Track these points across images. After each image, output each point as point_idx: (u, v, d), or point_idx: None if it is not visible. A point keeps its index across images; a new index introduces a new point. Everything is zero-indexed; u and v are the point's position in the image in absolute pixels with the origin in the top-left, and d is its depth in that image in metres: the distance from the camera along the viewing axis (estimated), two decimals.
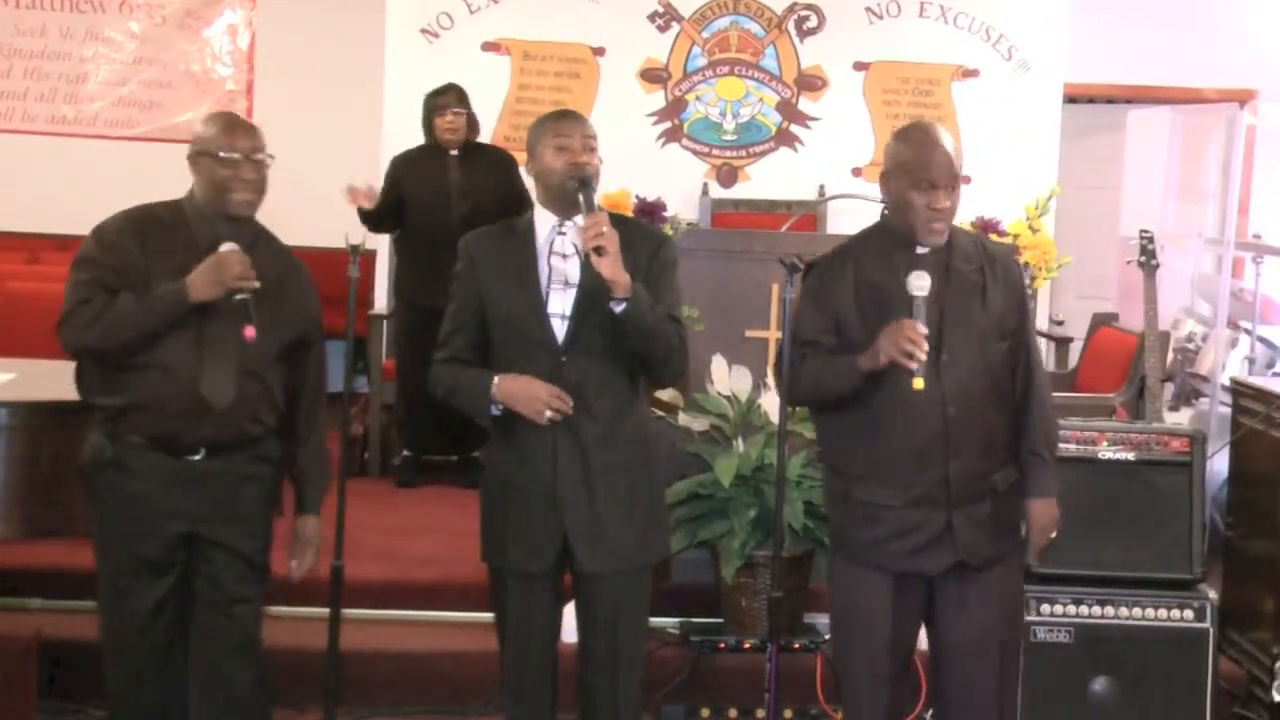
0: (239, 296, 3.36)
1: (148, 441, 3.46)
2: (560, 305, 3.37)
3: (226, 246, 3.40)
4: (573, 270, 3.38)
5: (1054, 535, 3.56)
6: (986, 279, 3.44)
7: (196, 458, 3.48)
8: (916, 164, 3.35)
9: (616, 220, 3.42)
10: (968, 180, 7.32)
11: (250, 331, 3.36)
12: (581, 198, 3.30)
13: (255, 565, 3.60)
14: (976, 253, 3.48)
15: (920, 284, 3.31)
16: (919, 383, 3.25)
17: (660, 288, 3.39)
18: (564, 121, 3.41)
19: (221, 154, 3.41)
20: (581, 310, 3.35)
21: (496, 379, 3.36)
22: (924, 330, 3.26)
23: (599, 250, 3.20)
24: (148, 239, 3.45)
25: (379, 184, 6.38)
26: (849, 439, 3.47)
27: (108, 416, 3.49)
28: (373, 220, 6.27)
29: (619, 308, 3.25)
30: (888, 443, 3.40)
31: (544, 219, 3.43)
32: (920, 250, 3.41)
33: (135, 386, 3.43)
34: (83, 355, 3.48)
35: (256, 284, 3.37)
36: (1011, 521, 3.51)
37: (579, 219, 3.32)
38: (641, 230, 3.52)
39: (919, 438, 3.37)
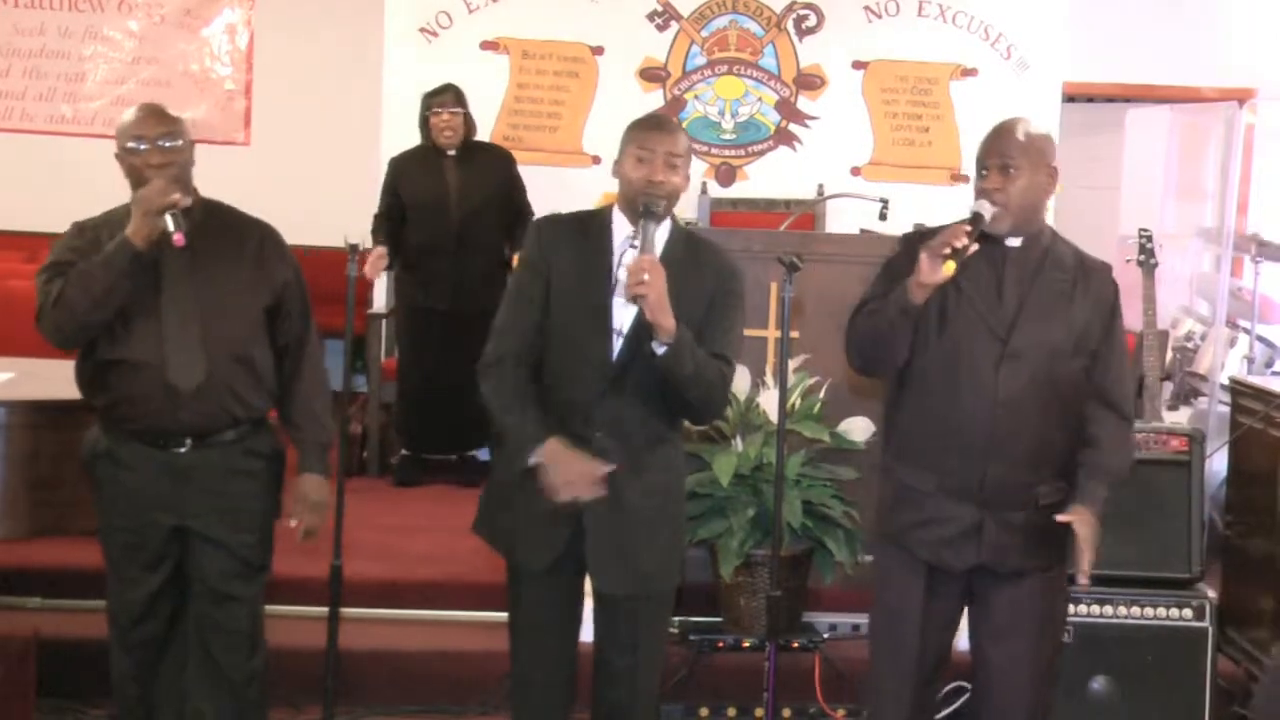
0: (169, 213, 3.34)
1: (136, 435, 3.51)
2: (620, 320, 3.26)
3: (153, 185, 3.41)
4: None
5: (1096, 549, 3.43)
6: (1076, 290, 3.40)
7: (183, 450, 3.51)
8: (979, 153, 3.39)
9: (693, 243, 3.37)
10: (966, 179, 7.40)
11: (179, 238, 3.33)
12: (641, 230, 3.19)
13: (247, 561, 3.61)
14: (1073, 264, 3.44)
15: (984, 208, 3.31)
16: (950, 266, 3.20)
17: (718, 324, 3.29)
18: (651, 133, 3.29)
19: (129, 144, 3.46)
20: (638, 332, 3.23)
21: (549, 443, 3.22)
22: (968, 229, 3.24)
23: (638, 298, 3.11)
24: (98, 238, 3.48)
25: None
26: (903, 417, 3.48)
27: (100, 412, 3.57)
28: (385, 238, 6.26)
29: (659, 350, 3.16)
30: (934, 427, 3.40)
31: (620, 224, 3.32)
32: (1011, 243, 3.39)
33: (115, 383, 3.48)
34: (69, 342, 3.50)
35: (177, 197, 3.35)
36: (1052, 536, 3.44)
37: (636, 242, 3.21)
38: (714, 258, 3.37)
39: (964, 429, 3.36)
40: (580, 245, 3.32)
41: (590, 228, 3.35)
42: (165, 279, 3.47)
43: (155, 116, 3.48)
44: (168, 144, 3.45)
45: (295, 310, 3.66)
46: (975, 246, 3.26)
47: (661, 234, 3.30)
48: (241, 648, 3.64)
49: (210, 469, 3.53)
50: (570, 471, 3.21)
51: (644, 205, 3.20)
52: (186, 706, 3.69)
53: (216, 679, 3.63)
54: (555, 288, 3.30)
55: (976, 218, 3.31)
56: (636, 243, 3.22)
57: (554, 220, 3.42)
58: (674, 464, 3.44)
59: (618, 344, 3.26)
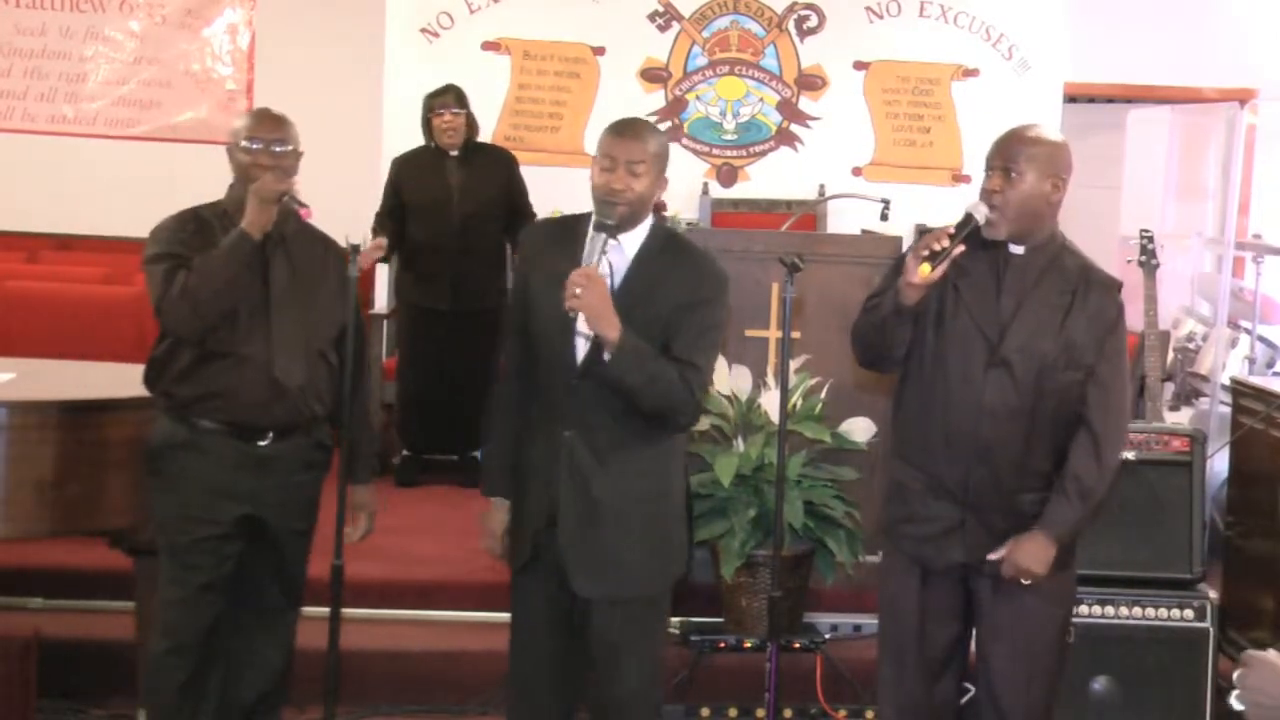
0: (284, 198, 3.54)
1: (222, 427, 3.63)
2: (586, 324, 3.26)
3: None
4: None
5: (1024, 578, 3.37)
6: (1074, 304, 3.37)
7: (264, 443, 3.66)
8: (988, 153, 3.38)
9: (671, 244, 3.37)
10: (967, 180, 7.40)
11: (306, 211, 3.56)
12: (589, 241, 3.22)
13: (305, 550, 3.82)
14: (1077, 277, 3.39)
15: (978, 210, 3.31)
16: (925, 268, 3.21)
17: (682, 330, 3.26)
18: (614, 140, 3.30)
19: (244, 143, 3.65)
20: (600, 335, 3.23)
21: (495, 510, 3.47)
22: (951, 230, 3.25)
23: (570, 311, 3.16)
24: (199, 230, 3.64)
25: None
26: (900, 414, 3.51)
27: (177, 405, 3.66)
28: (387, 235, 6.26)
29: (606, 358, 3.19)
30: (925, 425, 3.42)
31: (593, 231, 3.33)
32: (1014, 249, 3.38)
33: (214, 377, 3.61)
34: (193, 332, 3.59)
35: (291, 182, 3.57)
36: None
37: (597, 244, 3.22)
38: (689, 260, 3.35)
39: (952, 430, 3.37)
40: (558, 249, 3.34)
41: (570, 234, 3.37)
42: (273, 279, 3.64)
43: (271, 121, 3.69)
44: (279, 149, 3.63)
45: (359, 329, 3.85)
46: (961, 248, 3.26)
47: (635, 238, 3.32)
48: (292, 632, 3.86)
49: (285, 461, 3.70)
50: (493, 540, 3.49)
51: (597, 217, 3.24)
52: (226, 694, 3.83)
53: (262, 663, 3.81)
54: (533, 291, 3.35)
55: (967, 218, 3.31)
56: (605, 249, 3.24)
57: (540, 225, 3.54)
58: (661, 467, 3.38)
59: (583, 348, 3.28)
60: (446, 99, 6.30)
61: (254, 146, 3.62)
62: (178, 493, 3.68)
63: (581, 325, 3.26)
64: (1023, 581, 3.38)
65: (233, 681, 3.80)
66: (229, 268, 3.53)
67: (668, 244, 3.37)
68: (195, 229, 3.63)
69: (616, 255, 3.29)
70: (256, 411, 3.63)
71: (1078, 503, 3.37)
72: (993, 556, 3.39)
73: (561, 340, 3.28)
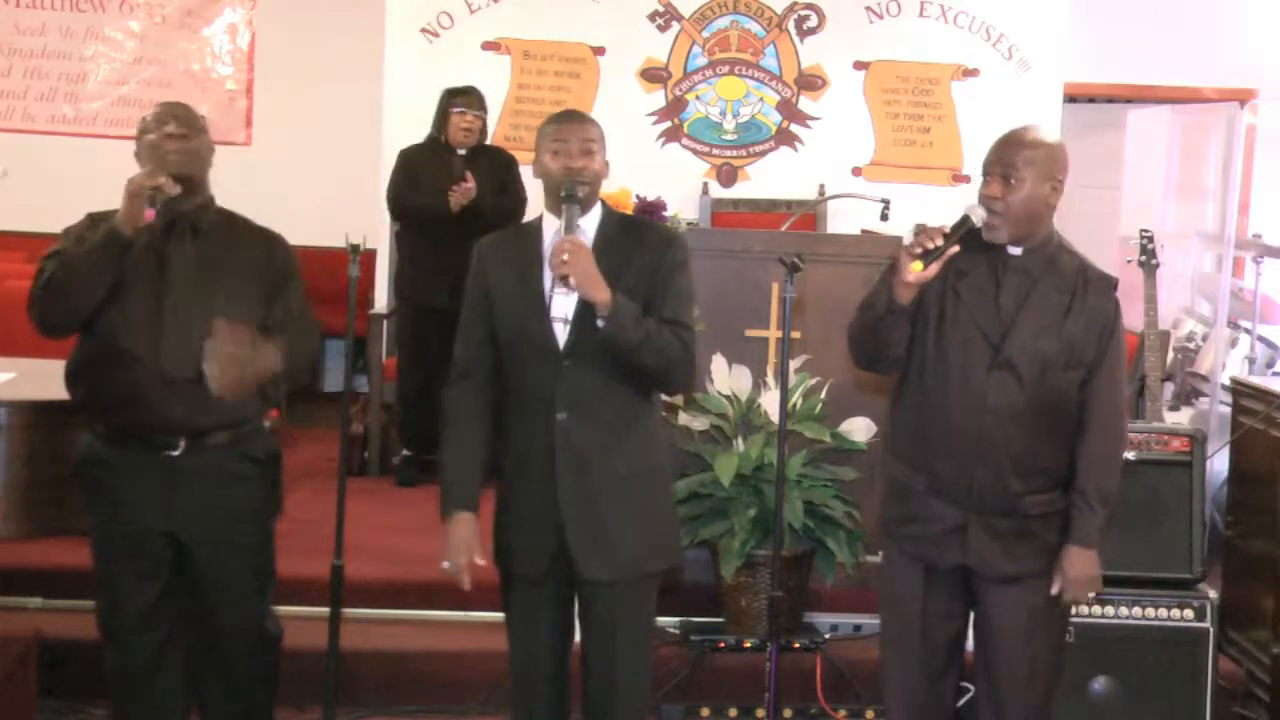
0: (148, 192, 3.37)
1: (129, 434, 3.47)
2: (563, 309, 3.30)
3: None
4: None
5: (1091, 594, 3.47)
6: (1073, 303, 3.39)
7: (176, 452, 3.48)
8: (985, 157, 3.38)
9: (625, 222, 3.42)
10: (967, 180, 7.41)
11: (149, 213, 3.37)
12: (564, 212, 3.27)
13: (249, 566, 3.62)
14: (1075, 277, 3.41)
15: (976, 213, 3.32)
16: (917, 265, 3.23)
17: (665, 293, 3.33)
18: (562, 125, 3.37)
19: (156, 128, 3.54)
20: (584, 315, 3.28)
21: (455, 517, 3.36)
22: (946, 230, 3.26)
23: (564, 279, 3.18)
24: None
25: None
26: (900, 414, 3.50)
27: (93, 412, 3.55)
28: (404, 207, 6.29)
29: (600, 323, 3.22)
30: (927, 428, 3.41)
31: (549, 221, 3.38)
32: (1012, 251, 3.39)
33: (108, 374, 3.46)
34: (53, 328, 3.51)
35: (163, 180, 3.38)
36: (1042, 546, 3.44)
37: (573, 214, 3.28)
38: (650, 231, 3.45)
39: (954, 433, 3.36)
40: (516, 251, 3.39)
41: (524, 233, 3.44)
42: (170, 275, 3.49)
43: (176, 107, 3.59)
44: (169, 129, 3.50)
45: (291, 298, 3.63)
46: (955, 249, 3.27)
47: (592, 220, 3.37)
48: (245, 652, 3.67)
49: (204, 473, 3.51)
50: (458, 552, 3.37)
51: (565, 191, 3.28)
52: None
53: (220, 680, 3.66)
54: (496, 296, 3.38)
55: (964, 220, 3.32)
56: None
57: (492, 238, 3.52)
58: (653, 445, 3.44)
59: (563, 331, 3.31)
60: (470, 100, 6.31)
61: (165, 129, 3.50)
62: (101, 510, 3.56)
63: (557, 309, 3.29)
64: (1091, 595, 3.48)
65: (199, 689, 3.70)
66: (91, 259, 3.39)
67: (623, 222, 3.43)
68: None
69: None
70: (154, 412, 3.43)
71: (1100, 508, 3.41)
72: (1054, 590, 3.44)
73: (538, 327, 3.31)
